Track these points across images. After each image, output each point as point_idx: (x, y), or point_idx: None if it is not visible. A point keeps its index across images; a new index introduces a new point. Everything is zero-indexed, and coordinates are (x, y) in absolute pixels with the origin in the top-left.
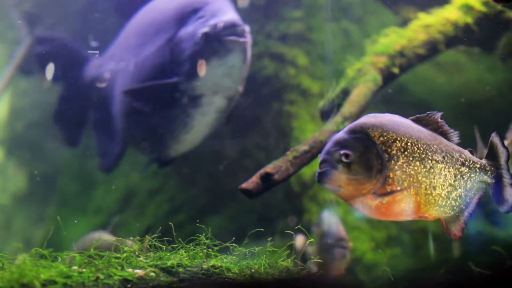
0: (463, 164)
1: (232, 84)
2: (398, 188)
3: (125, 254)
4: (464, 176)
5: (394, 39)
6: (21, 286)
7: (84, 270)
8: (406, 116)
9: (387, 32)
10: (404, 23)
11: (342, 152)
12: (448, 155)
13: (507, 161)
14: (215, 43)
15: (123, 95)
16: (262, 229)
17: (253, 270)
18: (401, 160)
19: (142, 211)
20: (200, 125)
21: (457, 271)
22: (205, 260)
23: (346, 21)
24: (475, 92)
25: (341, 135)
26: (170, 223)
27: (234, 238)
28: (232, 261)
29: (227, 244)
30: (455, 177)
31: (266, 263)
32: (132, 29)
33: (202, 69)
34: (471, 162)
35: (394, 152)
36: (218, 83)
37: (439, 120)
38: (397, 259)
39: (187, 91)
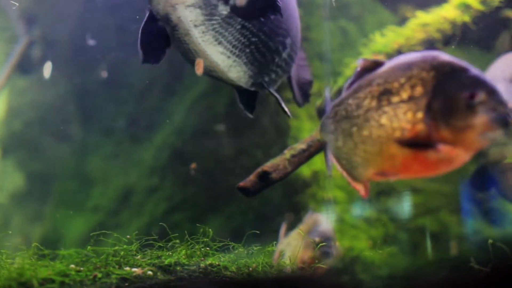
0: None
1: None
2: None
3: (122, 253)
4: None
5: (392, 37)
6: (19, 285)
7: (81, 268)
8: None
9: (385, 31)
10: (402, 21)
11: None
12: None
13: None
14: None
15: None
16: (261, 228)
17: (250, 269)
18: None
19: (140, 210)
20: (196, 45)
21: (455, 269)
22: (202, 258)
23: (344, 20)
24: None
25: None
26: (164, 224)
27: (233, 237)
28: (230, 259)
29: (226, 242)
30: None
31: (264, 262)
32: None
33: (200, 67)
34: None
35: None
36: None
37: None
38: (395, 258)
39: (157, 16)
